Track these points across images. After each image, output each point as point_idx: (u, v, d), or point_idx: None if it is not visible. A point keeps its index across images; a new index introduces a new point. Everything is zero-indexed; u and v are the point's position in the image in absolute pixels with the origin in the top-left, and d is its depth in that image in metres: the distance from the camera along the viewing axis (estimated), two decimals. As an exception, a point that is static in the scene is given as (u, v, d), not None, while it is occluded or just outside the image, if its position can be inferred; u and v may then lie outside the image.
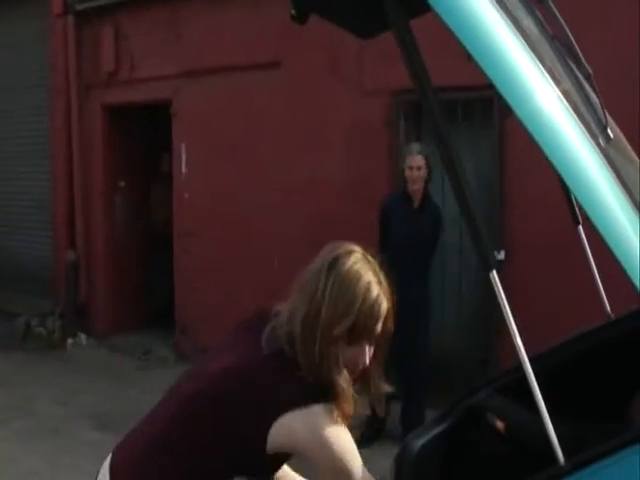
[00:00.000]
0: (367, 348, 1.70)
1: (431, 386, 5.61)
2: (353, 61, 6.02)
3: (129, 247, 8.01)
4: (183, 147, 7.20)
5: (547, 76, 1.78)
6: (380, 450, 4.85)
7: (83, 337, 7.83)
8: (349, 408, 1.67)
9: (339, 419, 1.65)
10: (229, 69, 6.75)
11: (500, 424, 2.35)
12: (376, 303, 1.67)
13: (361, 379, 1.76)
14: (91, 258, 8.02)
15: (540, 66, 1.78)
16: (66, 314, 7.93)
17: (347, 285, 1.65)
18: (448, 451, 2.47)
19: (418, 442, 2.44)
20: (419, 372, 5.01)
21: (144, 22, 7.45)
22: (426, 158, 4.89)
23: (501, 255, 5.27)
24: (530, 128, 1.62)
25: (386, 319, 1.70)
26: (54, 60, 8.15)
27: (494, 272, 1.66)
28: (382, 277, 1.72)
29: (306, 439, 1.65)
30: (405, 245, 4.85)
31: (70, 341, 7.79)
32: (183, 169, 7.21)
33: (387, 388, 1.82)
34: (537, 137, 1.62)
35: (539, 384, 1.66)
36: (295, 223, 6.29)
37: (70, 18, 7.95)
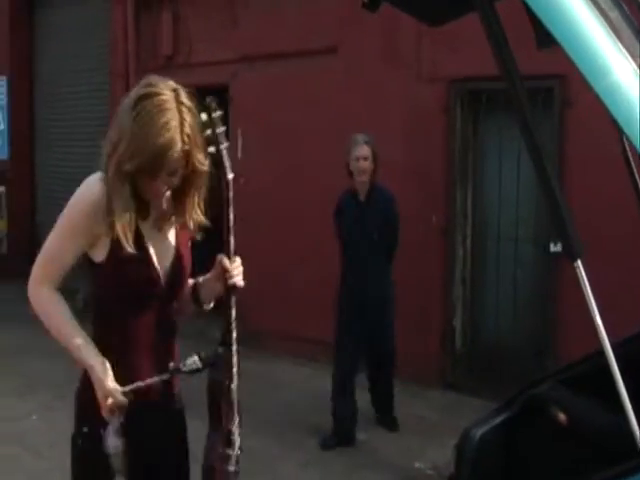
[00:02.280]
0: (160, 182, 1.87)
1: (487, 377, 5.63)
2: (411, 48, 6.01)
3: (184, 229, 8.14)
4: (239, 132, 7.26)
5: (626, 54, 1.78)
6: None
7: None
8: (121, 223, 1.83)
9: (101, 189, 1.88)
10: (286, 54, 6.78)
11: (562, 416, 2.36)
12: (163, 148, 1.79)
13: (177, 209, 2.00)
14: (147, 239, 8.18)
15: (620, 46, 1.78)
16: (122, 294, 8.11)
17: (140, 127, 1.79)
18: (509, 441, 2.49)
19: (479, 431, 2.46)
20: (392, 352, 5.01)
21: (202, 7, 7.53)
22: (372, 148, 4.77)
23: (558, 247, 5.22)
24: (607, 103, 1.63)
25: (177, 161, 1.84)
26: (114, 44, 8.31)
27: (579, 261, 1.67)
28: (186, 120, 1.84)
29: None
30: (357, 240, 4.80)
31: (126, 321, 7.97)
32: (239, 154, 7.28)
33: (205, 220, 2.06)
34: (614, 112, 1.62)
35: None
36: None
37: (130, 3, 8.10)
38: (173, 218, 2.03)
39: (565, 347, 5.11)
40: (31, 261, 1.98)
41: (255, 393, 5.86)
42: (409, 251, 5.16)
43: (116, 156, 1.83)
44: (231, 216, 2.04)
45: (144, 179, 1.87)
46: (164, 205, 1.99)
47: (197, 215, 2.05)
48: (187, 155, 1.86)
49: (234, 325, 2.09)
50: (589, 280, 1.70)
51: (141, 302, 1.97)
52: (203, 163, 1.91)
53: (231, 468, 2.09)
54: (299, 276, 6.69)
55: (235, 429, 2.09)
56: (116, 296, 1.95)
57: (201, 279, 2.15)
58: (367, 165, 4.77)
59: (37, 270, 1.94)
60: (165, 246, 2.03)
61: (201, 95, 7.56)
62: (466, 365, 5.92)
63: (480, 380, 5.70)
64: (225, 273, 2.02)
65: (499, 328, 5.77)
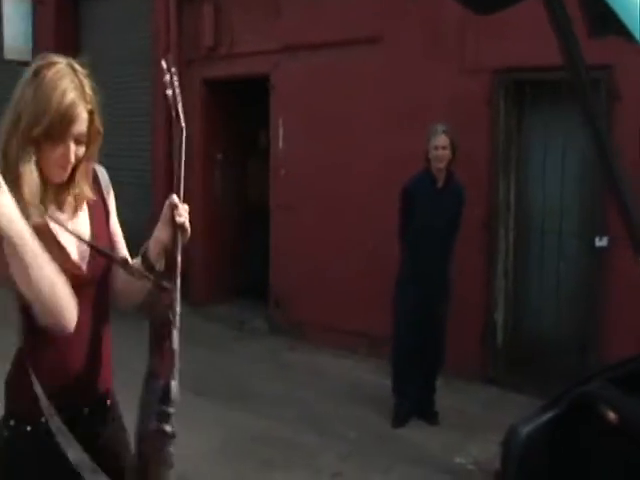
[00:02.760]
0: (70, 147, 1.87)
1: (529, 372, 5.58)
2: (454, 38, 5.95)
3: (226, 219, 8.21)
4: (280, 122, 7.28)
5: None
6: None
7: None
8: (29, 191, 1.82)
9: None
10: (328, 45, 6.76)
11: (612, 415, 2.32)
12: (70, 107, 1.83)
13: (70, 177, 1.94)
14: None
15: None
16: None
17: (44, 91, 1.82)
18: (556, 439, 2.46)
19: (525, 428, 2.43)
20: (438, 347, 5.09)
21: (244, -3, 7.55)
22: (451, 138, 4.94)
23: (603, 241, 5.15)
24: None
25: (83, 121, 1.87)
26: (156, 36, 8.36)
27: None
28: (85, 84, 1.90)
29: None
30: (430, 225, 4.94)
31: (167, 308, 8.05)
32: (280, 144, 7.30)
33: (88, 193, 2.00)
34: None
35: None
36: (391, 200, 6.29)
37: (172, -6, 8.16)
38: (72, 194, 1.97)
39: (609, 342, 5.04)
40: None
41: (297, 384, 5.91)
42: (451, 243, 5.12)
43: (21, 126, 1.82)
44: (182, 161, 2.03)
45: (50, 149, 1.85)
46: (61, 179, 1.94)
47: (83, 181, 2.00)
48: (91, 115, 1.91)
49: (179, 266, 1.98)
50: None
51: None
52: (101, 126, 1.96)
53: (168, 428, 1.90)
54: (341, 268, 6.70)
55: (174, 383, 1.91)
56: None
57: (149, 242, 2.09)
58: (445, 154, 4.92)
59: None
60: (76, 228, 1.96)
61: (244, 85, 7.49)
62: (508, 360, 5.87)
63: (522, 375, 5.65)
64: (175, 209, 2.01)
65: (542, 322, 5.71)
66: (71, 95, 1.84)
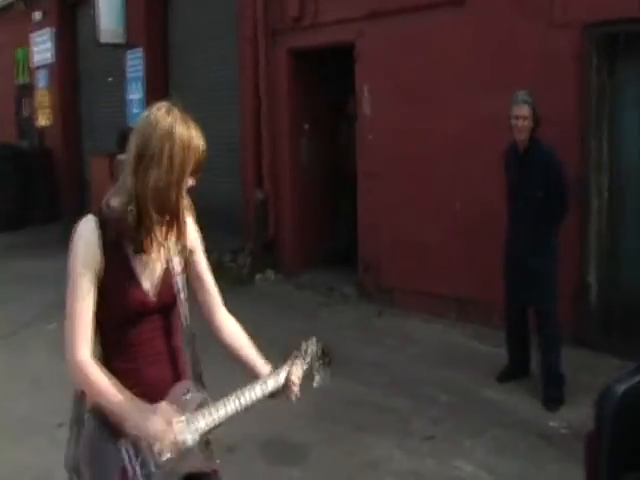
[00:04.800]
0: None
1: (623, 335, 5.45)
2: (542, -7, 5.77)
3: (314, 187, 8.29)
4: (366, 89, 7.26)
5: None
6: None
7: (271, 273, 8.24)
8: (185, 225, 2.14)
9: (95, 226, 2.02)
10: (412, 9, 6.69)
11: None
12: (204, 147, 2.08)
13: None
14: (278, 198, 8.37)
15: None
16: (255, 251, 8.36)
17: (185, 138, 2.03)
18: (651, 398, 2.42)
19: (621, 387, 2.40)
20: (548, 315, 4.94)
21: (328, -34, 7.52)
22: (532, 107, 4.76)
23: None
24: None
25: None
26: (243, 10, 8.47)
27: None
28: (192, 122, 2.09)
29: None
30: (516, 189, 4.89)
31: (259, 276, 8.24)
32: (366, 111, 7.29)
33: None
34: None
35: None
36: (478, 163, 6.21)
37: (257, -31, 8.20)
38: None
39: None
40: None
41: (387, 349, 5.96)
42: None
43: (174, 169, 2.01)
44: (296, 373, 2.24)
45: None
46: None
47: None
48: None
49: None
50: None
51: (137, 318, 2.08)
52: None
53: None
54: (428, 232, 6.68)
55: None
56: (115, 318, 2.06)
57: (260, 364, 2.29)
58: (524, 125, 4.78)
59: (70, 337, 2.00)
60: (151, 260, 2.11)
61: (330, 54, 7.46)
62: (601, 322, 5.73)
63: (616, 338, 5.52)
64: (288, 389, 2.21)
65: (636, 284, 5.54)
66: (200, 137, 2.08)
